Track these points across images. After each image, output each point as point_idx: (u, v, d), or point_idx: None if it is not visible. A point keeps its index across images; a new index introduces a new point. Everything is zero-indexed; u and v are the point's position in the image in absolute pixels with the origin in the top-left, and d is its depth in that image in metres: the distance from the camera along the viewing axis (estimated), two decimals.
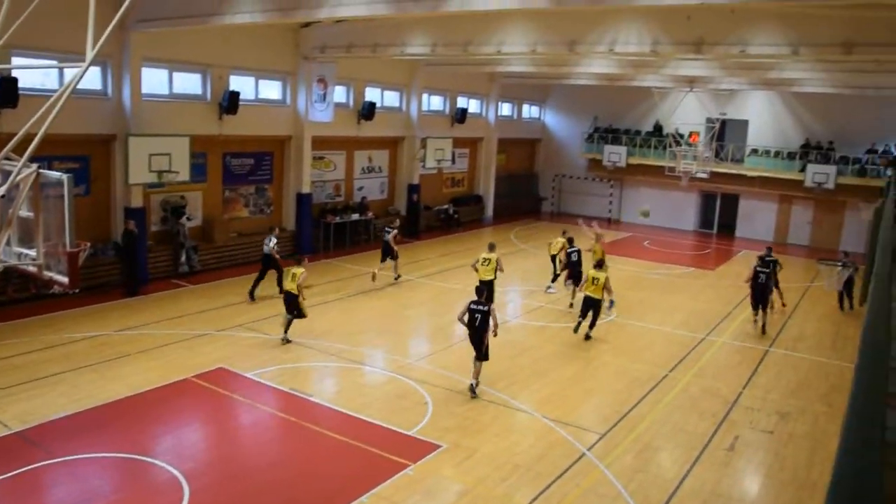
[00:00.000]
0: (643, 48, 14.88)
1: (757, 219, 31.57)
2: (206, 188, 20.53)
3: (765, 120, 31.36)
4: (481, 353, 12.15)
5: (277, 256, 17.47)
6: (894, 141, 28.71)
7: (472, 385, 12.10)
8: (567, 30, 15.71)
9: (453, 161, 29.74)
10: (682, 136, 30.38)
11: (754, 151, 31.07)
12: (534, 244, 26.77)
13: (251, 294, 17.20)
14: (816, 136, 30.19)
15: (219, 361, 13.02)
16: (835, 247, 28.88)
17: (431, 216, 29.40)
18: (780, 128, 31.12)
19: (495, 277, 16.54)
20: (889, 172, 25.39)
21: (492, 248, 16.98)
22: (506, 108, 35.13)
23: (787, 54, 13.92)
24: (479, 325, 12.11)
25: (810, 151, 29.64)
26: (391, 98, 27.13)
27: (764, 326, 16.79)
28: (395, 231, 19.65)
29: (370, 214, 25.32)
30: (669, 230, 32.23)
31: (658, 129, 33.63)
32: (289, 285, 14.31)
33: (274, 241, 17.41)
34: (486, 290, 12.81)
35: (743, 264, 25.98)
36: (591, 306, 15.33)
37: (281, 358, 13.39)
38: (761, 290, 16.77)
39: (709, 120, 29.98)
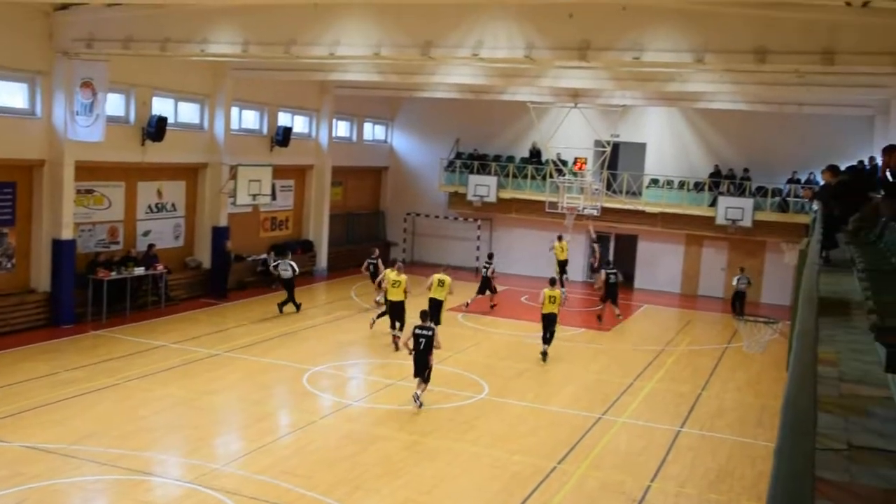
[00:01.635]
0: (515, 53, 15.47)
1: (660, 265, 33.36)
2: None
3: (666, 143, 33.46)
4: (423, 376, 16.15)
5: None
6: (819, 167, 31.26)
7: (415, 395, 16.11)
8: (420, 28, 16.08)
9: (274, 196, 29.43)
10: (565, 163, 31.67)
11: (654, 182, 32.94)
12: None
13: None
14: (728, 163, 32.45)
15: None
16: (755, 299, 30.94)
17: (244, 269, 28.77)
18: (684, 153, 33.26)
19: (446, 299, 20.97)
20: (815, 206, 27.60)
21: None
22: (343, 128, 35.35)
23: (690, 62, 14.94)
24: (423, 349, 16.02)
25: (721, 181, 31.78)
26: (189, 112, 26.61)
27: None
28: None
29: (161, 268, 24.39)
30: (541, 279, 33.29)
31: (536, 154, 34.88)
32: None
33: None
34: (433, 311, 17.94)
35: (646, 321, 27.28)
36: (551, 323, 20.77)
37: (24, 474, 12.36)
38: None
39: (598, 143, 31.28)
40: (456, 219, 36.52)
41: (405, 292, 20.73)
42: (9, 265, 21.16)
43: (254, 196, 27.29)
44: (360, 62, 22.52)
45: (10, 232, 21.13)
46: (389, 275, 21.03)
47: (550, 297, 20.92)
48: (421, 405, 16.19)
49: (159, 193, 25.86)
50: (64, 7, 20.17)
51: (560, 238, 29.61)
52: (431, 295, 21.49)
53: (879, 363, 4.44)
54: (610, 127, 30.07)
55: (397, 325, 20.75)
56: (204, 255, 27.18)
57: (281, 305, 24.53)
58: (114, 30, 19.51)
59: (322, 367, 18.92)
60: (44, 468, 12.65)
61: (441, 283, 21.73)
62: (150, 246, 24.86)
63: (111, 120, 22.30)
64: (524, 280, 32.37)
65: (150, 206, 25.58)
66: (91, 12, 19.95)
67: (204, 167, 27.00)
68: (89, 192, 23.31)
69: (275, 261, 26.61)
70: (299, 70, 25.33)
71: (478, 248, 36.06)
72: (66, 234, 21.65)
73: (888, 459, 3.04)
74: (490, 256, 27.99)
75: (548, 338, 20.95)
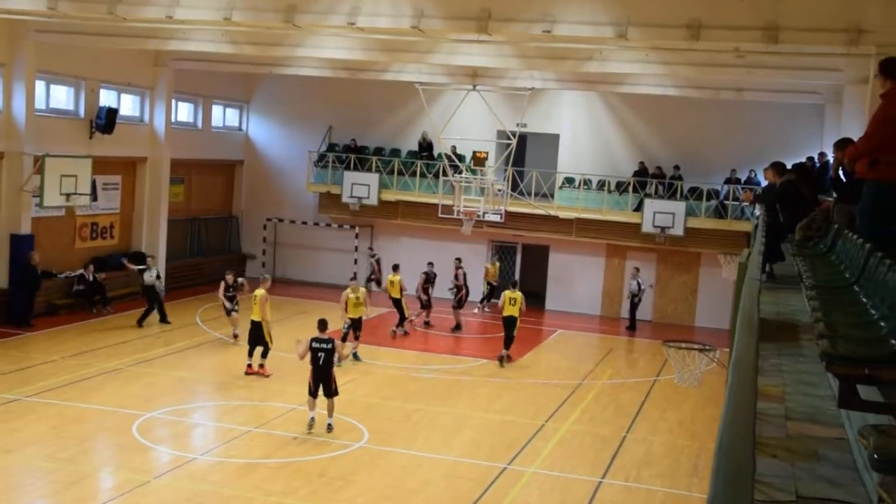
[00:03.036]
0: (401, 22, 15.56)
1: (576, 282, 33.88)
2: None
3: (582, 135, 34.07)
4: (331, 390, 17.27)
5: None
6: (762, 165, 32.13)
7: (312, 420, 17.25)
8: None
9: (95, 196, 28.72)
10: (461, 158, 31.87)
11: (568, 181, 33.45)
12: (229, 332, 26.37)
13: None
14: (656, 160, 33.23)
15: None
16: (689, 321, 31.78)
17: (57, 287, 27.96)
18: (604, 146, 33.93)
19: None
20: (757, 211, 28.41)
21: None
22: (184, 111, 34.82)
23: (610, 37, 15.27)
24: (323, 363, 17.17)
25: (648, 181, 32.47)
26: None
27: None
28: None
29: None
30: (445, 301, 33.48)
31: (426, 147, 35.07)
32: None
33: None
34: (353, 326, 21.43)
35: (558, 350, 27.67)
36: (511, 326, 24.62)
37: None
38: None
39: (501, 134, 31.63)
40: (329, 225, 36.40)
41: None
42: None
43: (67, 196, 26.54)
44: (206, 28, 22.23)
45: None
46: (257, 294, 22.19)
47: (511, 298, 24.62)
48: (330, 427, 17.51)
49: None
50: None
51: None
52: (350, 315, 24.12)
53: (832, 397, 4.61)
54: (516, 115, 30.35)
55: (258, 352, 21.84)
56: None
57: (141, 319, 26.31)
58: None
59: (157, 413, 18.52)
60: None
61: (357, 298, 23.93)
62: None
63: None
64: (412, 301, 32.36)
65: None
66: None
67: None
68: None
69: (139, 265, 28.05)
70: (127, 36, 24.77)
71: (355, 262, 36.00)
72: None
73: None
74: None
75: (507, 342, 24.90)
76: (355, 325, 23.93)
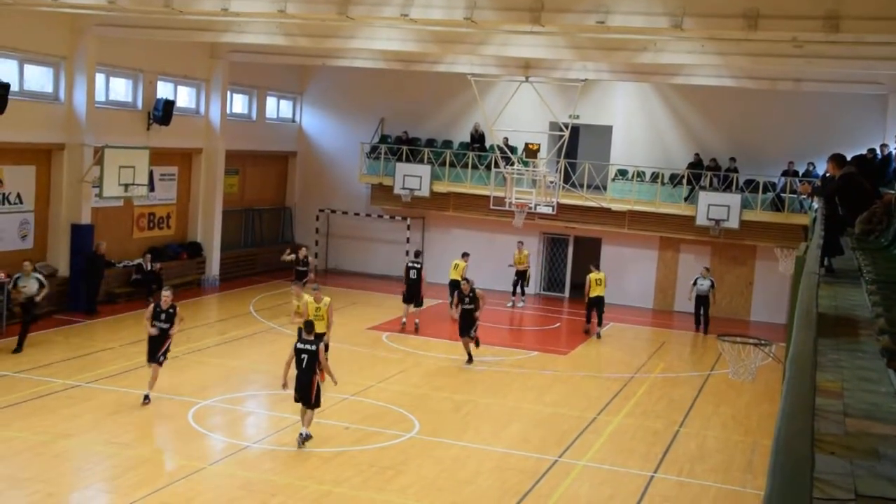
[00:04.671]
0: (453, 14, 15.53)
1: (629, 274, 33.57)
2: None
3: (636, 127, 33.83)
4: (310, 401, 16.13)
5: None
6: (822, 157, 31.66)
7: (301, 434, 16.13)
8: None
9: (152, 187, 29.03)
10: (513, 149, 31.79)
11: (621, 174, 33.26)
12: (285, 322, 26.53)
13: None
14: (711, 151, 32.89)
15: None
16: (744, 316, 31.46)
17: (116, 277, 28.33)
18: (658, 138, 33.69)
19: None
20: (815, 204, 27.98)
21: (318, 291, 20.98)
22: (239, 103, 35.07)
23: (665, 28, 15.10)
24: (305, 367, 16.07)
25: (703, 173, 32.10)
26: (39, 78, 26.22)
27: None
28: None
29: (1, 275, 23.89)
30: (499, 294, 33.45)
31: (478, 139, 34.98)
32: None
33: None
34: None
35: (611, 343, 27.53)
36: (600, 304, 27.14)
37: None
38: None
39: (554, 126, 31.45)
40: (380, 217, 36.50)
41: (328, 324, 20.36)
42: None
43: (126, 186, 26.89)
44: (261, 20, 22.38)
45: None
46: (310, 304, 20.35)
47: (597, 279, 27.15)
48: (307, 437, 16.30)
49: None
50: None
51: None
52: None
53: (892, 394, 4.52)
54: (568, 106, 30.25)
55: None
56: (60, 259, 26.66)
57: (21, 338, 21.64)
58: None
59: (212, 401, 18.70)
60: None
61: (317, 309, 20.66)
62: None
63: None
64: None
65: None
66: None
67: (60, 149, 26.49)
68: None
69: (12, 275, 22.24)
70: (184, 29, 25.00)
71: (407, 253, 36.00)
72: None
73: None
74: (417, 255, 27.88)
75: (599, 321, 27.56)
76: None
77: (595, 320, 28.17)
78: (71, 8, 19.47)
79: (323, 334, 19.49)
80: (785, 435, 2.70)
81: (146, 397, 18.16)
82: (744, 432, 19.41)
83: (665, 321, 31.56)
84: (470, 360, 23.13)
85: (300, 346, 16.31)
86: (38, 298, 20.89)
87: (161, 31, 25.82)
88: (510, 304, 31.67)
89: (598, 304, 27.88)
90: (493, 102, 31.90)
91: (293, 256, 26.79)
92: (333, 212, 37.33)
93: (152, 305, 18.61)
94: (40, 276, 20.59)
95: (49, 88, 26.38)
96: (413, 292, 26.66)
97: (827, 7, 13.59)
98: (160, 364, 18.31)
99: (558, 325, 29.13)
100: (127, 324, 25.29)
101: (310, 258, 26.16)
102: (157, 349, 18.14)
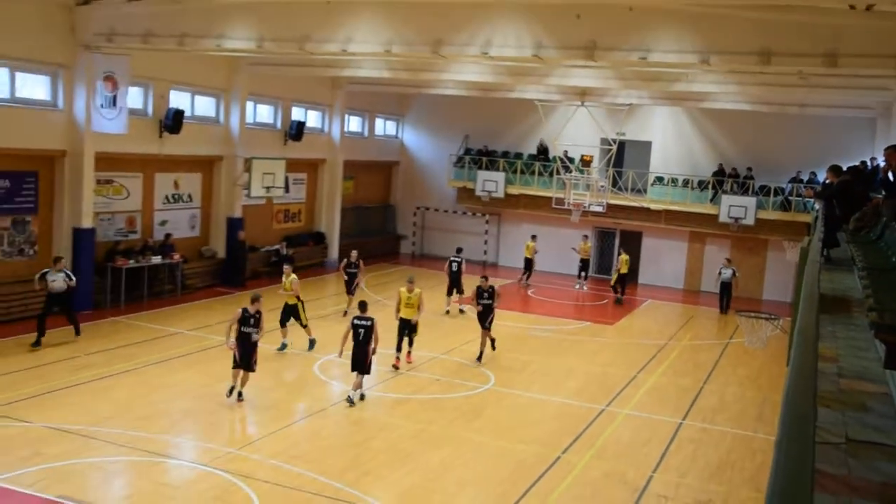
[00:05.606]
0: (524, 52, 15.49)
1: (664, 261, 33.39)
2: None
3: (671, 142, 33.48)
4: (364, 368, 15.61)
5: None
6: (822, 167, 31.11)
7: (349, 396, 15.54)
8: (430, 26, 16.11)
9: (287, 189, 29.50)
10: (571, 160, 31.74)
11: (659, 180, 32.97)
12: (391, 295, 26.74)
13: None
14: (732, 162, 32.43)
15: None
16: (757, 295, 30.93)
17: (258, 259, 28.89)
18: (689, 151, 33.29)
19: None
20: (816, 206, 27.59)
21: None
22: (354, 123, 35.39)
23: (695, 63, 14.94)
24: (361, 340, 15.51)
25: (725, 180, 31.73)
26: (205, 105, 26.67)
27: None
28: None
29: (177, 257, 24.49)
30: (558, 276, 33.36)
31: (543, 151, 34.96)
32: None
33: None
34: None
35: (649, 316, 27.30)
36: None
37: (46, 454, 12.49)
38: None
39: (604, 141, 31.42)
40: (464, 213, 36.58)
41: (418, 309, 18.68)
42: (31, 252, 21.33)
43: (267, 188, 27.39)
44: (371, 59, 22.58)
45: (32, 220, 21.31)
46: (402, 293, 18.79)
47: (625, 261, 28.81)
48: (363, 397, 15.90)
49: (176, 185, 25.98)
50: (86, 2, 20.26)
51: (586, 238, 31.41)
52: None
53: (878, 360, 4.47)
54: (616, 125, 30.23)
55: (405, 340, 18.74)
56: (219, 245, 27.32)
57: (75, 327, 19.05)
58: (134, 24, 19.61)
59: (332, 356, 18.96)
60: (64, 448, 12.77)
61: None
62: (167, 235, 24.99)
63: (130, 112, 22.40)
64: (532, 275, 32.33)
65: (167, 197, 25.71)
66: (112, 7, 20.04)
67: (219, 160, 27.08)
68: (108, 182, 23.43)
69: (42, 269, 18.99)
70: (313, 66, 25.34)
71: (485, 243, 36.19)
72: (86, 222, 21.77)
73: (885, 454, 3.07)
74: (458, 251, 26.55)
75: (623, 291, 28.69)
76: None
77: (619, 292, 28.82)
78: (230, 52, 19.86)
79: (409, 320, 18.38)
80: (793, 390, 2.71)
81: (236, 393, 15.40)
82: (756, 389, 19.11)
83: (693, 299, 31.15)
84: (480, 356, 19.57)
85: (357, 321, 15.75)
86: (70, 285, 18.37)
87: (296, 69, 26.20)
88: (577, 286, 31.43)
89: (624, 279, 28.58)
90: (555, 122, 31.79)
91: (345, 260, 24.48)
92: (427, 209, 37.54)
93: (241, 310, 15.61)
94: (68, 272, 18.40)
95: (213, 113, 26.96)
96: (455, 282, 25.55)
97: (827, 46, 13.32)
98: (252, 370, 15.48)
99: (606, 301, 28.89)
100: (266, 295, 25.58)
101: (361, 262, 24.18)
102: (249, 355, 15.36)
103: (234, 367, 15.37)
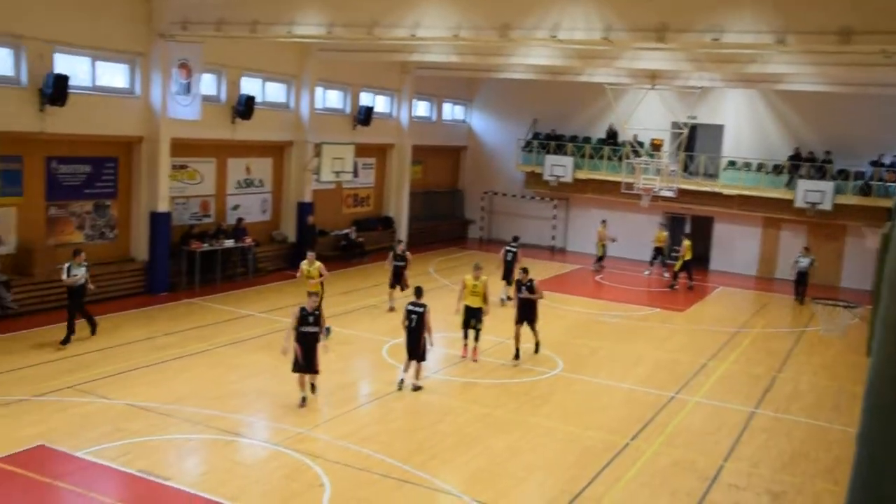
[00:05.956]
0: (593, 35, 15.28)
1: (736, 247, 32.73)
2: (23, 204, 19.79)
3: (744, 125, 32.74)
4: (418, 354, 15.44)
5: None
6: None
7: (402, 381, 15.55)
8: (498, 10, 16.02)
9: (356, 173, 29.73)
10: (641, 144, 31.30)
11: (731, 164, 32.31)
12: (458, 279, 26.74)
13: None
14: (808, 146, 31.53)
15: (38, 437, 12.42)
16: (835, 283, 30.14)
17: (328, 243, 29.21)
18: (763, 135, 32.51)
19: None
20: None
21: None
22: (422, 108, 35.47)
23: (770, 44, 14.51)
24: (414, 326, 15.30)
25: (801, 164, 30.90)
26: (276, 91, 26.99)
27: None
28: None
29: (248, 240, 24.93)
30: (627, 262, 33.00)
31: (612, 135, 34.59)
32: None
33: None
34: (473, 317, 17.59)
35: (720, 303, 26.84)
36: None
37: (127, 430, 12.90)
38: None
39: (675, 125, 30.84)
40: (532, 198, 36.42)
41: (485, 299, 17.85)
42: (111, 235, 21.98)
43: (337, 173, 27.63)
44: (439, 43, 22.53)
45: (112, 204, 21.93)
46: (468, 281, 18.00)
47: (689, 247, 27.63)
48: (417, 388, 15.55)
49: (248, 170, 26.41)
50: None
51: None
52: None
53: None
54: (687, 109, 29.67)
55: (471, 333, 18.06)
56: (289, 229, 27.72)
57: (91, 326, 17.92)
58: (207, 12, 19.94)
59: (401, 340, 19.06)
60: (143, 425, 13.17)
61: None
62: (240, 220, 25.44)
63: (204, 99, 22.82)
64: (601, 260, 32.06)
65: (239, 182, 26.16)
66: None
67: (290, 145, 27.44)
68: (183, 167, 23.94)
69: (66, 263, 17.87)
70: (381, 51, 25.43)
71: (553, 228, 36.00)
72: (163, 206, 22.30)
73: None
74: (515, 239, 25.18)
75: (690, 276, 27.88)
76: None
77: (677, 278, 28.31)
78: (300, 38, 20.04)
79: (473, 308, 17.66)
80: (878, 382, 2.63)
81: (309, 391, 14.73)
82: (832, 378, 18.65)
83: (766, 286, 30.50)
84: (537, 348, 18.60)
85: (410, 307, 15.48)
86: (89, 285, 17.50)
87: (364, 54, 26.34)
88: (647, 272, 31.08)
89: (689, 265, 27.97)
90: (625, 106, 31.41)
91: (391, 252, 22.84)
92: (495, 193, 37.48)
93: (298, 308, 14.51)
94: (87, 265, 17.49)
95: (283, 99, 27.29)
96: (508, 272, 23.92)
97: None
98: (317, 372, 14.59)
99: (676, 287, 28.47)
100: (337, 279, 25.91)
101: (407, 254, 22.65)
102: (312, 356, 14.44)
103: (295, 371, 14.39)
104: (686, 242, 28.29)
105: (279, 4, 18.43)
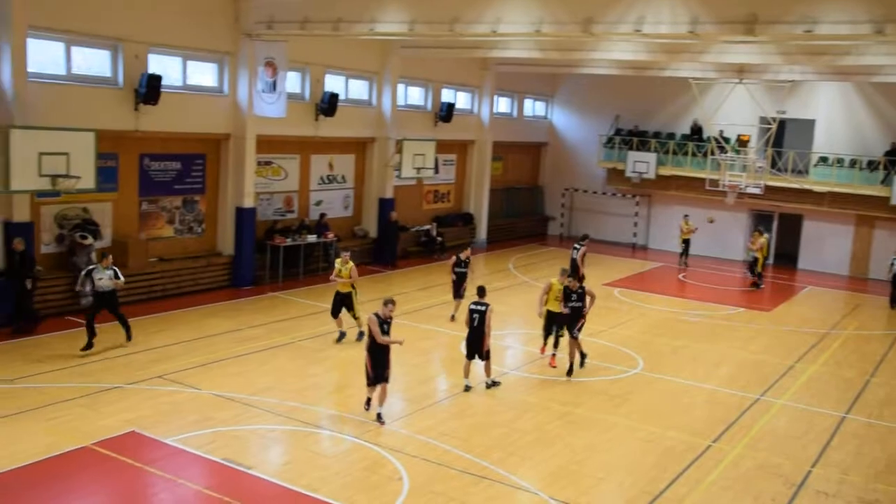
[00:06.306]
0: (678, 28, 14.99)
1: (826, 246, 31.78)
2: (118, 199, 20.42)
3: (837, 120, 31.75)
4: (481, 354, 15.25)
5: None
6: None
7: (467, 387, 15.31)
8: (581, 4, 15.83)
9: (437, 170, 29.83)
10: (727, 140, 30.67)
11: (823, 160, 31.37)
12: (537, 276, 26.75)
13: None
14: None
15: (130, 424, 12.81)
16: None
17: (409, 239, 29.40)
18: (856, 130, 31.47)
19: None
20: None
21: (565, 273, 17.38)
22: (503, 104, 35.38)
23: (867, 34, 13.92)
24: (476, 325, 15.13)
25: None
26: (358, 89, 27.24)
27: None
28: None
29: (331, 236, 25.26)
30: (711, 260, 32.37)
31: (697, 131, 33.97)
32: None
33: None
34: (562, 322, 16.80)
35: (808, 304, 26.10)
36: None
37: (213, 419, 13.22)
38: None
39: (763, 120, 30.22)
40: (614, 195, 36.03)
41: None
42: (199, 230, 22.54)
43: (418, 169, 27.74)
44: (521, 39, 22.44)
45: (200, 199, 22.49)
46: (554, 285, 17.14)
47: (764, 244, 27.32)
48: (492, 384, 15.50)
49: (330, 166, 26.76)
50: None
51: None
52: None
53: None
54: (776, 103, 28.94)
55: (550, 339, 17.49)
56: (371, 224, 27.99)
57: (126, 331, 16.96)
58: (292, 12, 20.28)
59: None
60: (228, 414, 13.49)
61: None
62: (322, 215, 25.80)
63: (288, 96, 23.18)
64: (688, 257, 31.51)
65: (322, 178, 26.53)
66: None
67: (372, 141, 27.69)
68: (268, 163, 24.39)
69: (88, 266, 17.61)
70: (462, 48, 25.49)
71: (635, 225, 35.55)
72: (248, 202, 22.75)
73: None
74: (583, 238, 24.69)
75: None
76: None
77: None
78: (382, 35, 20.20)
79: (557, 313, 16.89)
80: None
81: (375, 412, 13.66)
82: None
83: (859, 287, 29.51)
84: (571, 370, 16.66)
85: (473, 306, 15.32)
86: (118, 284, 16.42)
87: (445, 51, 26.46)
88: (680, 265, 30.66)
89: (754, 265, 27.30)
90: (711, 101, 30.86)
91: (454, 258, 21.21)
92: (576, 190, 37.20)
93: (374, 316, 13.49)
94: (116, 269, 16.34)
95: (365, 96, 27.56)
96: (575, 269, 22.56)
97: None
98: (387, 381, 13.69)
99: (762, 287, 27.79)
100: (416, 274, 26.20)
101: (470, 259, 21.17)
102: (386, 365, 13.63)
103: (370, 385, 13.65)
104: (762, 239, 27.30)
105: (362, 2, 18.58)
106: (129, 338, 16.91)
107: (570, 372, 16.62)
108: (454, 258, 21.11)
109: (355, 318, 18.21)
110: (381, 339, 13.36)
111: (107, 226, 20.17)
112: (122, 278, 16.52)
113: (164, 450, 12.05)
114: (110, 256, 16.68)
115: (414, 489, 11.22)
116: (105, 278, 16.09)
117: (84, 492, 10.89)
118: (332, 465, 11.90)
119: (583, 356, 17.18)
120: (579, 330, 16.71)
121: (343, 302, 18.11)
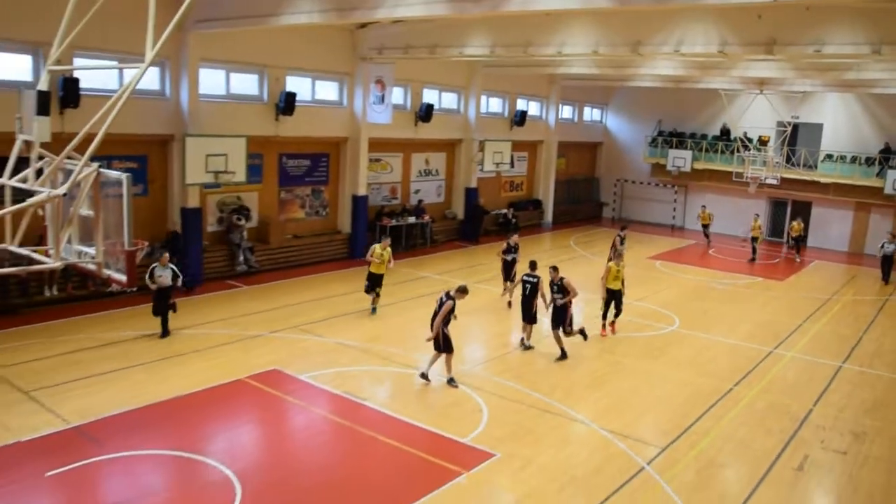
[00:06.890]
0: (710, 49, 14.56)
1: (830, 227, 30.51)
2: (263, 189, 20.95)
3: (841, 123, 30.32)
4: (530, 317, 14.70)
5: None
6: None
7: (522, 339, 14.86)
8: (631, 30, 15.51)
9: (512, 164, 29.64)
10: (750, 140, 29.69)
11: (829, 157, 30.05)
12: (593, 251, 26.44)
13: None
14: None
15: (273, 363, 13.22)
16: None
17: (489, 220, 29.37)
18: (857, 131, 30.04)
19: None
20: None
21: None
22: (566, 111, 34.84)
23: (867, 54, 13.37)
24: (528, 294, 14.69)
25: (891, 156, 28.49)
26: (449, 100, 27.23)
27: None
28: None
29: (426, 218, 25.43)
30: (735, 238, 31.42)
31: (725, 133, 32.91)
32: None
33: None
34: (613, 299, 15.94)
35: (815, 275, 25.14)
36: None
37: (335, 361, 13.54)
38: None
39: (780, 124, 29.16)
40: (657, 185, 35.21)
41: (622, 283, 16.09)
42: (324, 213, 22.96)
43: (497, 164, 27.64)
44: (581, 59, 22.06)
45: (324, 189, 22.88)
46: (612, 267, 16.07)
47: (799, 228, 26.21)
48: (528, 347, 14.69)
49: (427, 162, 26.85)
50: (364, 25, 21.22)
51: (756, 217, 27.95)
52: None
53: None
54: (791, 110, 28.06)
55: (610, 313, 16.23)
56: (458, 208, 28.02)
57: (164, 324, 14.35)
58: (397, 40, 20.35)
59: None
60: (348, 358, 13.79)
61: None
62: (420, 201, 25.94)
63: (394, 107, 23.35)
64: (713, 237, 30.63)
65: (420, 172, 26.64)
66: (381, 28, 20.88)
67: (459, 142, 27.65)
68: (377, 160, 24.62)
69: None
70: (533, 66, 25.15)
71: (674, 210, 34.73)
72: (362, 191, 23.01)
73: None
74: (623, 228, 22.78)
75: (798, 250, 26.47)
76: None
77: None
78: (469, 57, 20.12)
79: (616, 291, 15.89)
80: None
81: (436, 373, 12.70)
82: None
83: (857, 261, 28.27)
84: (563, 354, 14.19)
85: (526, 278, 14.76)
86: (178, 283, 14.33)
87: (520, 69, 26.16)
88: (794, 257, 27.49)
89: (799, 241, 27.05)
90: (737, 108, 29.79)
91: (504, 244, 18.84)
92: (626, 181, 36.46)
93: (445, 298, 12.69)
94: (174, 268, 14.22)
95: (455, 106, 27.50)
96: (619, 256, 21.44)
97: None
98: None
99: (778, 260, 26.88)
100: (495, 248, 26.01)
101: (519, 244, 18.96)
102: (449, 342, 12.61)
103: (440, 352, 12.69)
104: (754, 223, 26.75)
105: (453, 31, 18.53)
106: (163, 334, 14.23)
107: (562, 356, 14.22)
108: (504, 244, 18.78)
109: (377, 295, 16.87)
110: (440, 321, 12.37)
111: (254, 210, 20.74)
112: (180, 276, 14.32)
113: (299, 384, 12.41)
114: (167, 255, 14.35)
115: (492, 419, 11.33)
116: (164, 276, 13.97)
117: (240, 411, 11.35)
118: (426, 399, 12.08)
119: (583, 334, 14.83)
120: (570, 324, 14.17)
121: (376, 281, 16.78)
